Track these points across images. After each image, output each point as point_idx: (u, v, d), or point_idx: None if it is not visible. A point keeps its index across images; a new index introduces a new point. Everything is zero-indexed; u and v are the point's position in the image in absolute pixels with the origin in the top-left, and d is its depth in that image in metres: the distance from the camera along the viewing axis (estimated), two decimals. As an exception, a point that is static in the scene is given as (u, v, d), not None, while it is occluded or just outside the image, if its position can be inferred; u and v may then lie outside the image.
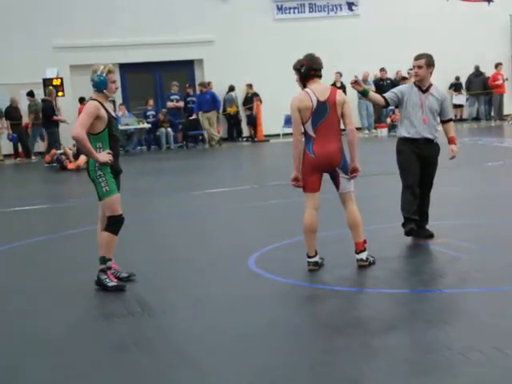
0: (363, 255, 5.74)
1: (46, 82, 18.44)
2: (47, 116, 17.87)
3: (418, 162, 6.38)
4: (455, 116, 23.24)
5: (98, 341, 4.43)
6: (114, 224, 5.52)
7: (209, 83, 20.56)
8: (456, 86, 22.83)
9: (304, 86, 5.78)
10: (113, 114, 5.61)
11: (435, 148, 6.45)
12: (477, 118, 22.73)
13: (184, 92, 20.86)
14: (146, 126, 19.99)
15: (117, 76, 22.97)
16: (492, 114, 22.57)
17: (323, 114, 5.67)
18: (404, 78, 21.80)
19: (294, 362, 3.84)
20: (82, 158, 15.91)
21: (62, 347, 4.35)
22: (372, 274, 5.52)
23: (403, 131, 6.45)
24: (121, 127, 19.62)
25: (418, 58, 6.39)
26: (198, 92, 20.58)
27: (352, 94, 20.93)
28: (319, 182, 5.77)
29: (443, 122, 6.54)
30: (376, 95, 6.42)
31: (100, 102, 5.49)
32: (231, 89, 21.11)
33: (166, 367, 3.90)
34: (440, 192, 8.94)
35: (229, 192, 10.82)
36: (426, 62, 6.35)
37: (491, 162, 12.07)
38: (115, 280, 5.52)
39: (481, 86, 22.31)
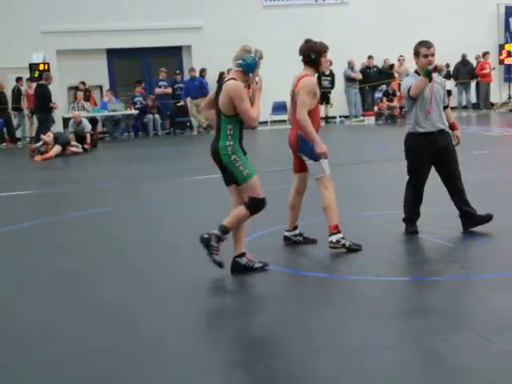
0: (333, 237, 5.79)
1: (33, 67, 18.27)
2: (44, 102, 16.84)
3: (432, 160, 6.19)
4: (442, 104, 23.30)
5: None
6: (255, 206, 5.22)
7: (203, 70, 20.51)
8: (446, 73, 22.89)
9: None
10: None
11: (448, 136, 6.28)
12: (466, 107, 22.81)
13: (172, 78, 20.78)
14: (134, 112, 19.91)
15: (105, 62, 22.46)
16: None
17: (292, 104, 5.95)
18: (391, 67, 21.83)
19: (282, 351, 3.85)
20: (55, 150, 15.65)
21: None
22: (358, 262, 5.54)
23: (416, 126, 6.16)
24: (108, 113, 19.58)
25: (430, 45, 6.19)
26: (188, 77, 20.50)
27: (341, 83, 21.01)
28: (297, 164, 6.04)
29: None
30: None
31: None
32: None
33: (138, 349, 3.91)
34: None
35: (217, 179, 10.76)
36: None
37: (477, 151, 12.11)
38: (218, 255, 5.21)
39: (468, 75, 22.35)
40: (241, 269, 5.34)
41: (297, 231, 6.16)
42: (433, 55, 6.16)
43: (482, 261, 5.44)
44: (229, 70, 20.50)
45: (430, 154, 6.18)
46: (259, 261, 5.41)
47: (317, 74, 6.02)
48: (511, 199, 7.88)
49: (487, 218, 6.20)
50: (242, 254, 5.39)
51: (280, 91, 20.15)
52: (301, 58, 5.89)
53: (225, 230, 5.24)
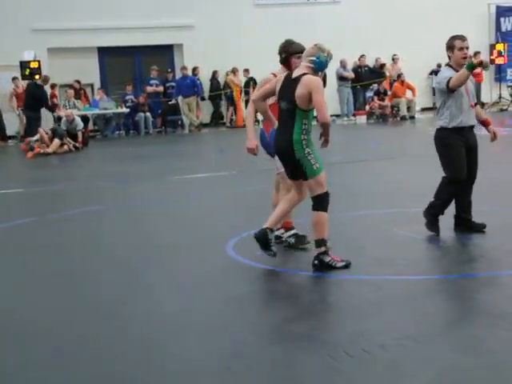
0: (285, 234, 6.03)
1: (23, 65, 18.21)
2: (39, 102, 17.01)
3: (466, 155, 6.11)
4: (434, 104, 23.39)
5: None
6: (324, 202, 5.26)
7: (195, 68, 20.49)
8: (436, 73, 23.01)
9: None
10: None
11: (475, 135, 6.22)
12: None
13: (164, 77, 20.76)
14: (125, 110, 19.88)
15: (96, 60, 22.34)
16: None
17: None
18: (382, 66, 21.89)
19: (278, 351, 3.86)
20: (54, 144, 15.74)
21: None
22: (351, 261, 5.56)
23: (450, 121, 6.05)
24: (99, 111, 19.54)
25: (464, 38, 6.03)
26: (180, 76, 20.48)
27: (333, 83, 21.05)
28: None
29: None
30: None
31: None
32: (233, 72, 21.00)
33: (137, 349, 3.92)
34: (412, 180, 9.02)
35: (208, 178, 10.83)
36: None
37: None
38: (339, 259, 5.30)
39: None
40: (266, 241, 5.41)
41: (293, 232, 6.12)
42: (467, 48, 6.05)
43: (474, 260, 5.47)
44: (235, 70, 20.52)
45: (464, 148, 6.08)
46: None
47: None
48: (503, 197, 7.92)
49: (481, 227, 6.20)
50: (273, 230, 5.51)
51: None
52: None
53: (322, 242, 5.29)
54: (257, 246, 5.56)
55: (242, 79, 20.98)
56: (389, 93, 20.86)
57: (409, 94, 20.82)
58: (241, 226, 6.86)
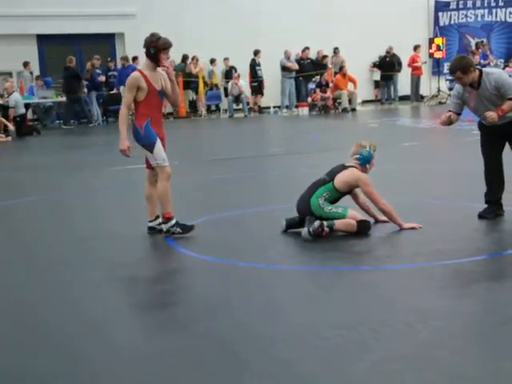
0: (164, 226, 6.13)
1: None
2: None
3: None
4: (375, 96, 23.69)
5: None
6: (366, 228, 5.89)
7: (135, 58, 20.21)
8: (375, 65, 23.31)
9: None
10: None
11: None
12: (406, 98, 23.13)
13: (105, 66, 20.46)
14: (64, 99, 19.52)
15: (35, 47, 22.14)
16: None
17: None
18: (324, 58, 22.06)
19: (209, 342, 3.87)
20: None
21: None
22: (283, 252, 5.61)
23: None
24: (38, 100, 19.15)
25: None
26: (119, 66, 20.22)
27: (278, 74, 21.12)
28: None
29: None
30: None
31: None
32: (211, 62, 20.84)
33: (79, 341, 3.89)
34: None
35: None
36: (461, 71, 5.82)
37: (407, 143, 12.39)
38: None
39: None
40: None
41: (159, 220, 6.28)
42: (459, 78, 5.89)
43: (406, 250, 5.57)
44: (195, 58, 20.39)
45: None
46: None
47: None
48: (436, 188, 8.10)
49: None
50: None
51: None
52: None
53: (330, 227, 5.75)
54: (197, 236, 5.53)
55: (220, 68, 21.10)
56: (331, 85, 21.02)
57: (350, 86, 21.03)
58: (183, 215, 6.86)
